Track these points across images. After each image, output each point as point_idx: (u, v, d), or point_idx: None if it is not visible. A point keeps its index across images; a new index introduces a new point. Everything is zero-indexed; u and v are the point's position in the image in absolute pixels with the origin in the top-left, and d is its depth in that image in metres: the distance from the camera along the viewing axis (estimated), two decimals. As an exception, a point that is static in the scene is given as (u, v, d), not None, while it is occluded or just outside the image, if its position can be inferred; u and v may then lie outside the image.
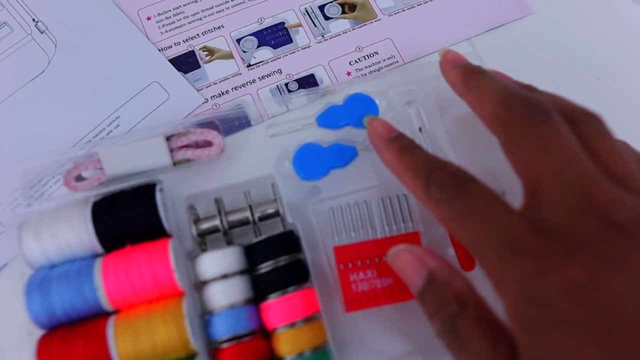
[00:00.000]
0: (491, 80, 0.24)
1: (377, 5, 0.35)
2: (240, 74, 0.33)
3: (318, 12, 0.35)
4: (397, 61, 0.33)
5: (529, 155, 0.20)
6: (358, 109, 0.29)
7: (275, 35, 0.34)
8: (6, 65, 0.33)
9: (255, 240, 0.26)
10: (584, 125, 0.21)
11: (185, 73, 0.33)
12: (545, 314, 0.18)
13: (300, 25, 0.34)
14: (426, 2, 0.35)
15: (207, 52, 0.33)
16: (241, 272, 0.26)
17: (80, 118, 0.31)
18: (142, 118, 0.31)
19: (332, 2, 0.35)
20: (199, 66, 0.33)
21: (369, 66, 0.33)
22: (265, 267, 0.25)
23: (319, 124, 0.29)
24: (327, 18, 0.35)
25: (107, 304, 0.24)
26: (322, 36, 0.34)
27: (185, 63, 0.33)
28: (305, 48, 0.34)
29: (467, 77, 0.25)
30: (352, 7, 0.35)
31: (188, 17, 0.35)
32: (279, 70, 0.33)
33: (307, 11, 0.35)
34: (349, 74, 0.33)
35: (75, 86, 0.32)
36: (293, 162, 0.28)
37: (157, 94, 0.32)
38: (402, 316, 0.26)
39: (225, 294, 0.25)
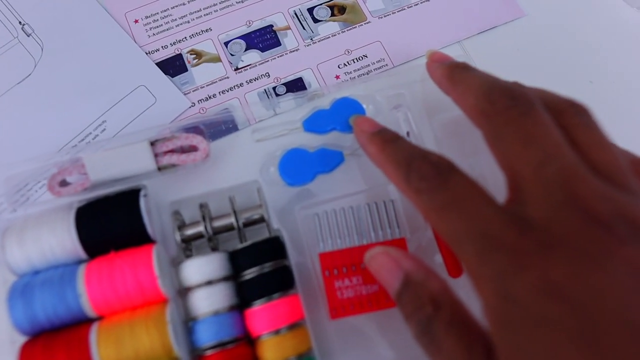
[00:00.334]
0: (475, 75, 0.23)
1: (367, 7, 0.35)
2: (228, 77, 0.33)
3: (307, 14, 0.34)
4: (386, 64, 0.33)
5: (511, 147, 0.20)
6: (345, 113, 0.28)
7: (263, 38, 0.34)
8: (-8, 68, 0.32)
9: (240, 246, 0.26)
10: (569, 116, 0.21)
11: (172, 76, 0.33)
12: (521, 312, 0.17)
13: (288, 28, 0.34)
14: (417, 5, 0.35)
15: (194, 56, 0.33)
16: (226, 279, 0.25)
17: (66, 122, 0.31)
18: (128, 122, 0.31)
19: (321, 4, 0.35)
20: (186, 69, 0.33)
21: (358, 69, 0.33)
22: (250, 273, 0.25)
23: (305, 129, 0.29)
24: (316, 21, 0.34)
25: (90, 311, 0.24)
26: (311, 39, 0.34)
27: (173, 66, 0.33)
28: (293, 51, 0.33)
29: (451, 73, 0.25)
30: (342, 10, 0.35)
31: (176, 20, 0.34)
32: (267, 74, 0.33)
33: (295, 14, 0.34)
34: (337, 77, 0.33)
35: (62, 90, 0.32)
36: (279, 168, 0.28)
37: (144, 98, 0.32)
38: (387, 323, 0.26)
39: (210, 301, 0.25)
